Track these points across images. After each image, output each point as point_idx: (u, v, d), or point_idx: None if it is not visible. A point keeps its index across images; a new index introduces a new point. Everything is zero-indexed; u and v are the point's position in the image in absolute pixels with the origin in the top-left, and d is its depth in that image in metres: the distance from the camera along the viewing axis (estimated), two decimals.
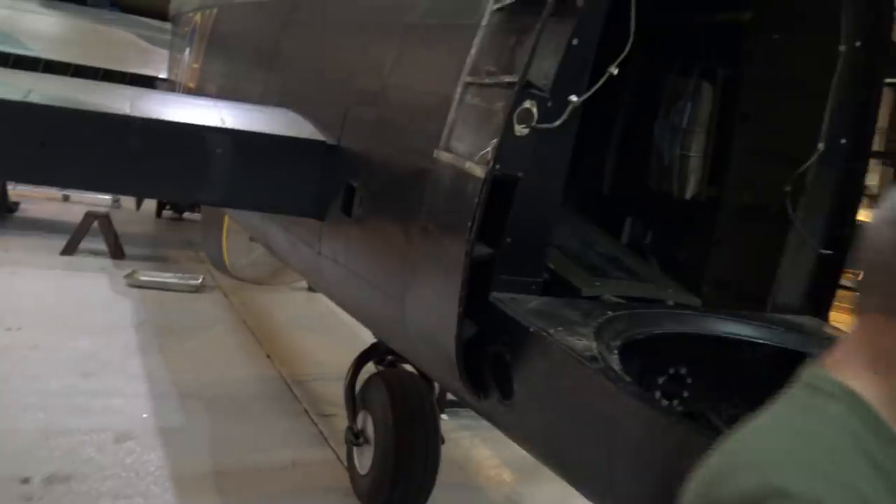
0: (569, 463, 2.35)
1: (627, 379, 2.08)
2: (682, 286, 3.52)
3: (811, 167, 3.11)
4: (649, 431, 1.96)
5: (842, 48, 2.98)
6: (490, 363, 2.51)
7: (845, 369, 1.06)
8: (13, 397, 5.52)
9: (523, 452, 5.88)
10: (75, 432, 5.14)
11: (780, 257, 3.24)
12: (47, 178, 3.88)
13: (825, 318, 3.25)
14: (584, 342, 2.26)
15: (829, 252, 3.17)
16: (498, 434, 6.14)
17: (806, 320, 3.19)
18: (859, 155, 3.13)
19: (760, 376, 3.15)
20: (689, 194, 3.65)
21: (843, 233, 3.17)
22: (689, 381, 3.04)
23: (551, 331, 2.31)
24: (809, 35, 3.19)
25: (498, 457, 5.92)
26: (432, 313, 2.72)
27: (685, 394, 3.04)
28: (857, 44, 3.00)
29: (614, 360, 2.22)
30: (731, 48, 3.51)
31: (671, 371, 3.00)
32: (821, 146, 3.04)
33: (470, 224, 2.40)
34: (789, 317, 3.21)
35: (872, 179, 23.18)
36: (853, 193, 3.17)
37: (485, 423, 6.22)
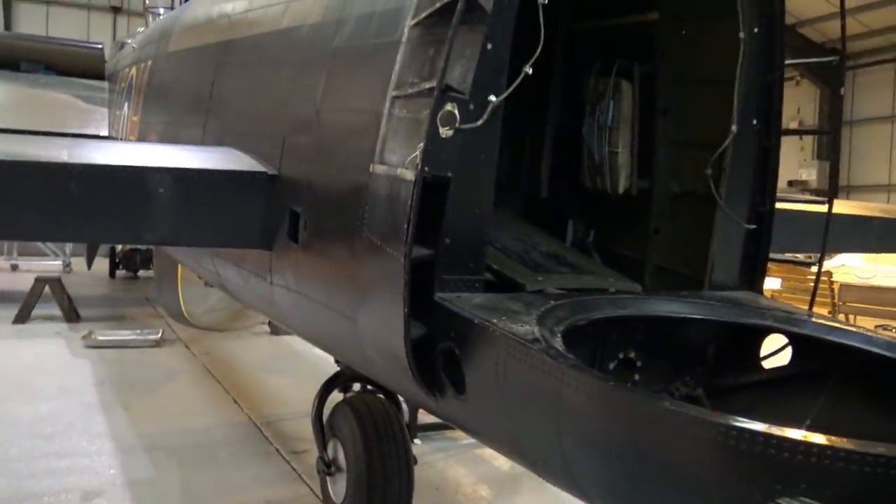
0: (525, 447, 2.42)
1: (568, 355, 2.17)
2: (626, 277, 3.65)
3: (728, 150, 3.29)
4: (593, 401, 2.05)
5: (742, 35, 3.17)
6: (441, 360, 2.58)
7: None
8: None
9: (498, 468, 5.96)
10: (41, 495, 5.03)
11: (711, 238, 3.40)
12: None
13: (759, 291, 3.41)
14: (526, 328, 2.35)
15: (754, 227, 3.33)
16: (471, 453, 6.23)
17: (742, 294, 3.34)
18: (771, 134, 3.31)
19: (706, 354, 3.29)
20: (621, 189, 3.81)
21: (764, 208, 3.34)
22: (638, 364, 3.15)
23: (495, 320, 2.40)
24: (712, 27, 3.38)
25: (473, 474, 5.95)
26: (381, 321, 2.78)
27: (636, 377, 3.14)
28: (756, 30, 3.20)
29: (557, 343, 2.31)
30: (645, 46, 3.69)
31: (620, 356, 3.11)
32: (734, 129, 3.22)
33: (406, 226, 2.49)
34: (727, 293, 3.36)
35: (810, 175, 24.01)
36: (770, 170, 3.34)
37: (458, 443, 6.32)
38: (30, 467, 5.45)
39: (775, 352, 3.12)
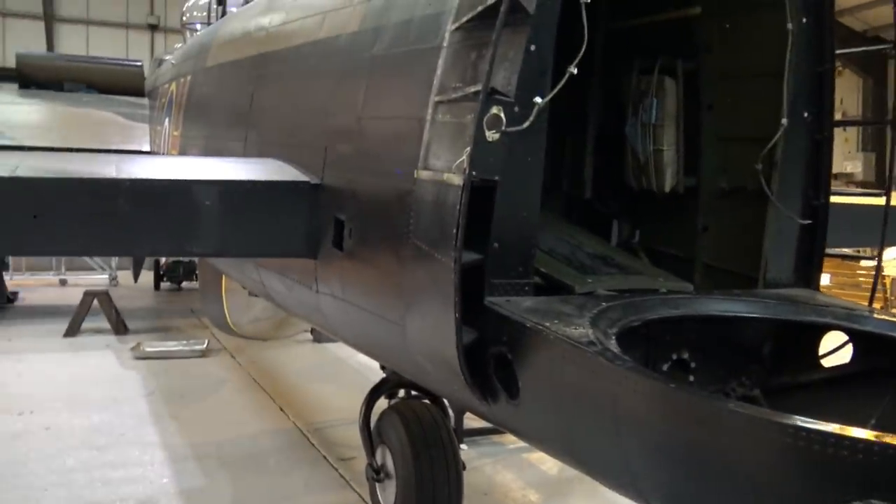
0: (582, 452, 2.39)
1: (626, 358, 2.13)
2: (674, 276, 3.59)
3: (779, 144, 3.21)
4: (653, 403, 2.01)
5: (790, 26, 3.10)
6: (493, 365, 2.56)
7: None
8: (33, 479, 5.53)
9: (546, 472, 5.91)
10: None
11: (763, 235, 3.32)
12: (43, 248, 3.95)
13: (816, 287, 3.32)
14: (580, 330, 2.32)
15: (808, 222, 3.25)
16: (519, 457, 6.19)
17: (798, 291, 3.26)
18: (822, 125, 3.23)
19: (762, 353, 3.21)
20: (667, 187, 3.75)
21: (818, 202, 3.25)
22: (692, 365, 3.08)
23: (547, 324, 2.37)
24: (758, 19, 3.31)
25: (521, 479, 5.91)
26: (432, 327, 2.77)
27: (691, 379, 3.08)
28: (804, 20, 3.12)
29: (612, 345, 2.27)
30: (687, 42, 3.64)
31: (674, 357, 3.05)
32: (784, 122, 3.15)
33: (455, 231, 2.47)
34: (782, 290, 3.28)
35: (856, 167, 23.39)
36: (823, 163, 3.26)
37: (505, 448, 6.28)
38: (86, 477, 5.57)
39: (835, 349, 3.03)
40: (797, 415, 1.81)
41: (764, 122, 3.27)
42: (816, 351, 3.06)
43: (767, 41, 3.27)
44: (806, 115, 3.21)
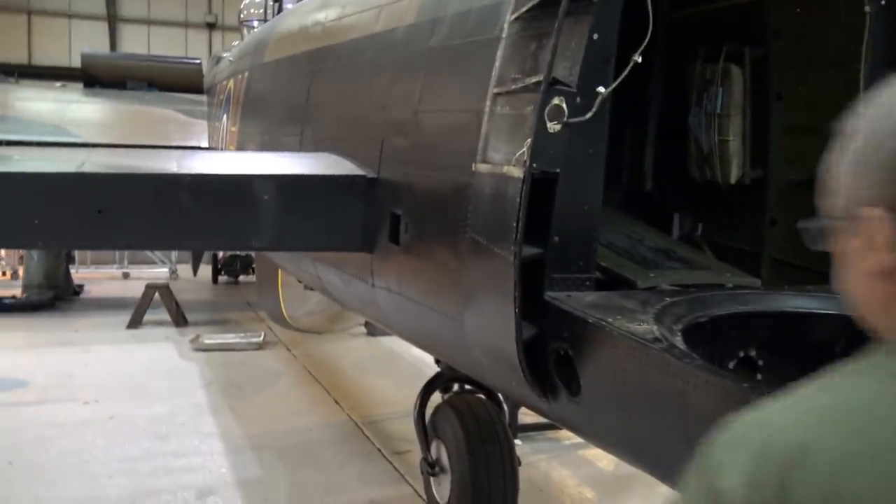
0: (646, 452, 2.32)
1: (693, 355, 2.06)
2: (740, 271, 3.46)
3: None
4: (724, 403, 1.93)
5: (868, 9, 2.95)
6: (554, 361, 2.50)
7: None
8: (97, 466, 5.69)
9: (602, 469, 5.82)
10: (160, 493, 5.26)
11: None
12: (107, 242, 4.05)
13: None
14: (644, 326, 2.25)
15: None
16: (574, 454, 6.11)
17: None
18: None
19: (834, 351, 3.08)
20: (733, 179, 3.62)
21: None
22: (760, 363, 2.97)
23: (610, 320, 2.31)
24: (831, 2, 3.16)
25: (577, 476, 5.84)
26: (491, 322, 2.73)
27: (759, 377, 2.97)
28: (883, 2, 2.96)
29: (678, 342, 2.20)
30: (755, 28, 3.50)
31: (741, 355, 2.94)
32: None
33: (515, 224, 2.43)
34: None
35: None
36: None
37: (560, 444, 6.20)
38: (149, 466, 5.71)
39: None
40: None
41: (837, 111, 3.12)
42: None
43: (842, 26, 3.11)
44: None
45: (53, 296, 11.61)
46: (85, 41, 22.68)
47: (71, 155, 3.83)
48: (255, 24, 11.19)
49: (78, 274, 13.71)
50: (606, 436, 2.57)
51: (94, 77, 12.78)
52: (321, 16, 5.54)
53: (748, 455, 0.89)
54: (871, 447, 0.82)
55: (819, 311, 2.85)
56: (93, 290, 12.94)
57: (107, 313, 11.12)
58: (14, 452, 5.91)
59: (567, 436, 6.09)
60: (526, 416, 6.05)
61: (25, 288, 11.56)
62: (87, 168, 3.45)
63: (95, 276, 14.19)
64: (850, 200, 0.94)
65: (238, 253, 13.41)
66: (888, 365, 0.88)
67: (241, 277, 14.14)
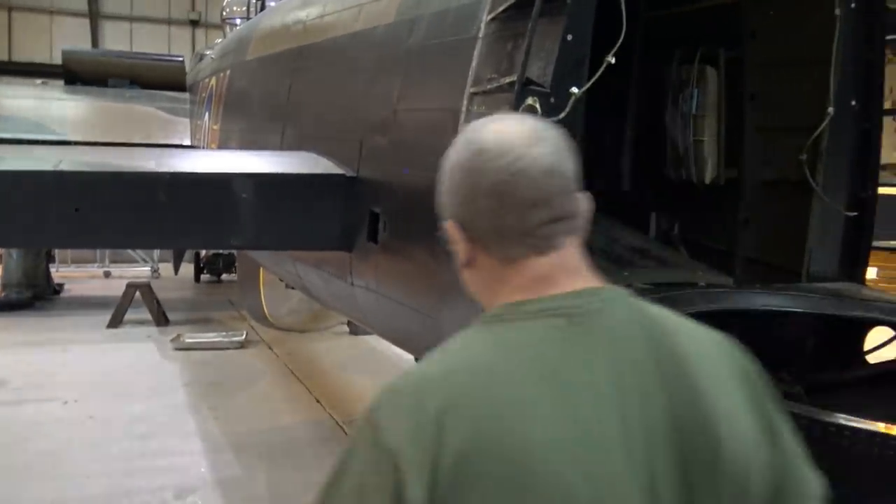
0: None
1: None
2: (714, 270, 3.51)
3: (824, 133, 3.12)
4: None
5: (838, 12, 3.00)
6: None
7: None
8: (76, 466, 5.66)
9: None
10: (139, 492, 5.25)
11: (807, 227, 3.23)
12: (84, 241, 4.03)
13: (861, 281, 3.22)
14: None
15: (854, 214, 3.15)
16: None
17: (842, 285, 3.16)
18: (871, 114, 3.12)
19: (805, 349, 3.13)
20: (708, 179, 3.66)
21: (865, 194, 3.15)
22: None
23: None
24: (804, 4, 3.21)
25: None
26: (465, 320, 2.75)
27: None
28: (853, 5, 3.02)
29: None
30: (730, 30, 3.55)
31: None
32: (830, 111, 3.05)
33: None
34: (826, 284, 3.19)
35: (893, 157, 22.65)
36: (871, 153, 3.16)
37: None
38: (127, 466, 5.69)
39: (881, 345, 2.94)
40: (841, 413, 1.75)
41: (809, 111, 3.18)
42: (861, 347, 2.97)
43: (813, 28, 3.17)
44: (853, 103, 3.11)
45: (33, 295, 11.51)
46: (66, 38, 22.48)
47: (49, 153, 3.80)
48: (238, 21, 11.14)
49: (58, 273, 13.60)
50: None
51: (76, 74, 12.66)
52: (302, 14, 5.54)
53: (407, 415, 1.03)
54: (487, 397, 1.03)
55: (790, 310, 2.91)
56: (73, 289, 12.85)
57: (87, 312, 11.04)
58: None
59: None
60: None
61: (4, 287, 11.46)
62: (65, 166, 3.43)
63: (76, 274, 14.08)
64: (444, 215, 1.24)
65: (220, 252, 13.36)
66: (490, 328, 1.16)
67: (224, 276, 14.09)
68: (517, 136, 1.20)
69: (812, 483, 1.24)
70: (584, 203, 1.23)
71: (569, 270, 1.19)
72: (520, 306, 1.15)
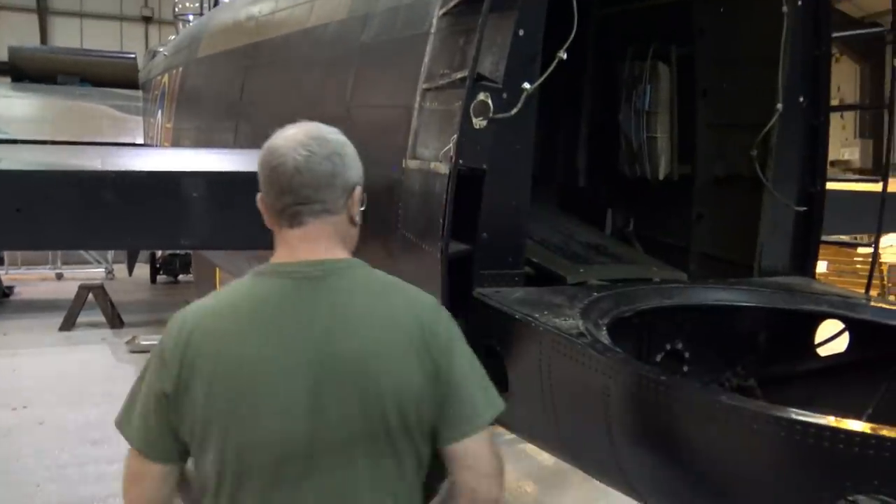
0: (573, 445, 2.34)
1: (616, 349, 2.08)
2: (669, 265, 3.53)
3: (774, 130, 3.16)
4: (645, 397, 1.96)
5: (785, 9, 3.04)
6: (482, 357, 2.51)
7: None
8: (25, 474, 5.49)
9: (542, 463, 5.88)
10: (91, 500, 5.10)
11: (759, 222, 3.27)
12: (28, 241, 3.90)
13: (811, 275, 3.27)
14: (570, 322, 2.27)
15: (804, 209, 3.20)
16: (515, 448, 6.14)
17: (793, 279, 3.21)
18: (819, 111, 3.17)
19: (757, 343, 3.16)
20: (661, 175, 3.69)
21: (814, 189, 3.20)
22: (686, 355, 3.04)
23: (537, 315, 2.32)
24: (753, 2, 3.25)
25: (517, 470, 5.87)
26: None
27: (685, 369, 3.03)
28: (799, 3, 3.06)
29: (603, 337, 2.22)
30: (681, 27, 3.57)
31: (668, 347, 3.00)
32: (779, 107, 3.08)
33: (441, 221, 2.42)
34: (778, 279, 3.23)
35: (853, 154, 23.26)
36: (819, 150, 3.21)
37: (500, 439, 6.22)
38: (79, 472, 5.53)
39: (831, 338, 2.99)
40: (793, 406, 1.77)
41: (759, 107, 3.21)
42: (812, 340, 3.01)
43: (762, 25, 3.20)
44: (801, 100, 3.15)
45: None
46: (13, 34, 21.81)
47: None
48: (191, 18, 10.96)
49: (7, 275, 13.22)
50: (536, 431, 2.59)
51: (23, 71, 12.31)
52: (255, 10, 5.45)
53: (176, 328, 1.59)
54: (222, 324, 1.59)
55: (742, 304, 2.93)
56: (24, 292, 12.50)
57: (38, 315, 10.75)
58: None
59: (506, 431, 6.14)
60: None
61: None
62: (4, 165, 3.32)
63: (27, 276, 13.71)
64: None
65: (177, 252, 13.13)
66: (252, 279, 1.63)
67: (181, 277, 13.84)
68: (289, 141, 1.63)
69: (471, 406, 1.64)
70: (341, 194, 1.66)
71: (310, 242, 1.63)
72: (272, 266, 1.63)
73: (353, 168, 1.70)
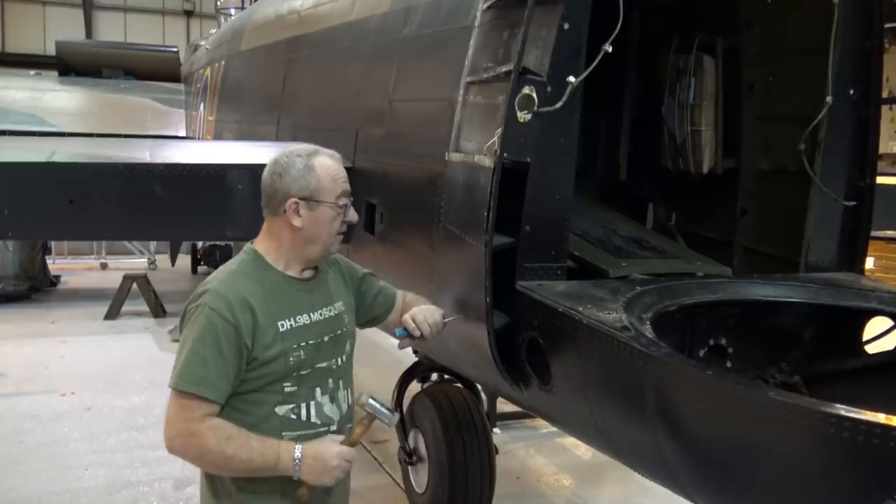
0: (616, 438, 2.34)
1: (660, 343, 2.08)
2: (712, 259, 3.50)
3: (822, 123, 3.10)
4: (690, 391, 1.96)
5: (835, 0, 2.98)
6: (525, 350, 2.52)
7: (259, 241, 2.29)
8: (74, 458, 5.65)
9: (580, 456, 5.86)
10: (136, 484, 5.23)
11: (805, 217, 3.22)
12: (78, 232, 4.01)
13: (860, 271, 3.21)
14: (613, 315, 2.27)
15: (853, 204, 3.14)
16: (552, 441, 6.14)
17: (841, 275, 3.15)
18: (869, 103, 3.11)
19: (803, 339, 3.12)
20: (705, 168, 3.65)
21: (863, 183, 3.14)
22: (730, 350, 3.01)
23: (580, 309, 2.32)
24: None
25: (555, 464, 5.87)
26: (463, 312, 2.74)
27: (728, 364, 3.01)
28: None
29: (647, 331, 2.22)
30: (727, 19, 3.52)
31: (711, 342, 2.98)
32: (829, 100, 3.03)
33: (486, 214, 2.43)
34: (824, 274, 3.18)
35: (890, 147, 22.57)
36: (869, 143, 3.14)
37: (538, 432, 6.24)
38: (126, 457, 5.67)
39: (880, 335, 2.93)
40: (840, 403, 1.74)
41: (807, 100, 3.16)
42: (860, 337, 2.96)
43: (811, 16, 3.15)
44: (851, 92, 3.09)
45: (30, 287, 11.47)
46: (60, 29, 22.33)
47: (42, 144, 3.78)
48: (233, 12, 11.09)
49: (55, 264, 13.55)
50: (577, 424, 2.60)
51: (69, 65, 12.60)
52: (297, 4, 5.50)
53: (219, 294, 2.13)
54: (242, 290, 2.15)
55: (787, 300, 2.90)
56: (70, 281, 12.80)
57: (84, 304, 11.00)
58: None
59: (545, 424, 6.12)
60: (504, 405, 6.08)
61: (1, 279, 11.42)
62: (58, 157, 3.41)
63: (73, 266, 14.04)
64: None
65: (217, 243, 13.33)
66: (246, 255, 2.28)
67: None
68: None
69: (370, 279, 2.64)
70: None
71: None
72: None
73: (290, 183, 2.18)
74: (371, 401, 2.29)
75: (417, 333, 2.53)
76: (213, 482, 2.23)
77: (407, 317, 2.55)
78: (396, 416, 2.38)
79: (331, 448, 2.14)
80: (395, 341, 2.71)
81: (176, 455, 2.15)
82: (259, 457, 2.06)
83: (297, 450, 2.08)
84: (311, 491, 2.17)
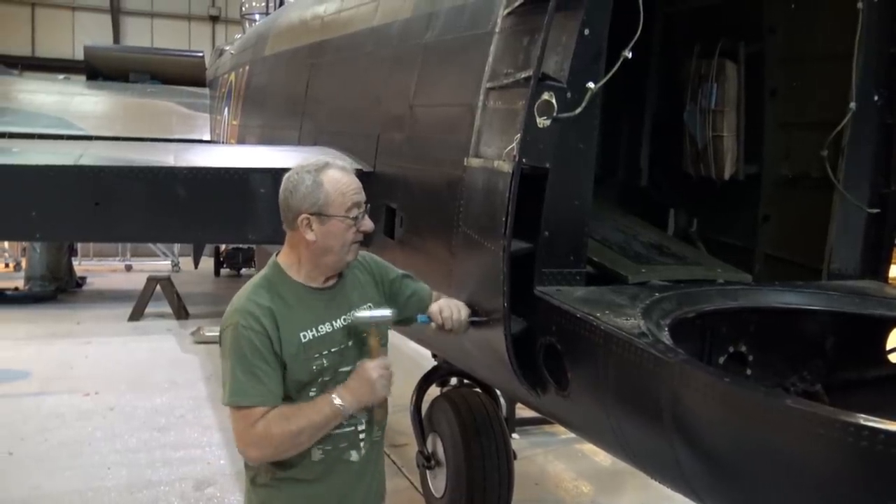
0: (633, 445, 2.33)
1: (678, 350, 2.07)
2: (733, 266, 3.47)
3: (846, 129, 3.07)
4: (707, 398, 1.95)
5: (860, 6, 2.95)
6: (542, 355, 2.52)
7: (281, 254, 2.39)
8: (97, 457, 5.73)
9: (599, 463, 5.83)
10: (158, 484, 5.30)
11: (828, 224, 3.19)
12: (104, 234, 4.08)
13: (884, 279, 3.17)
14: (631, 321, 2.27)
15: (876, 211, 3.10)
16: (571, 448, 6.12)
17: (864, 283, 3.12)
18: (893, 109, 3.07)
19: (824, 347, 3.08)
20: (727, 174, 3.62)
21: (888, 190, 3.10)
22: (750, 358, 2.98)
23: (598, 314, 2.32)
24: None
25: (573, 470, 5.86)
26: (482, 313, 2.75)
27: (748, 372, 2.98)
28: None
29: (665, 337, 2.21)
30: (750, 24, 3.50)
31: (731, 350, 2.95)
32: (852, 106, 3.00)
33: (504, 219, 2.44)
34: (847, 282, 3.15)
35: None
36: (892, 149, 3.10)
37: (557, 438, 6.22)
38: (147, 457, 5.75)
39: None
40: (861, 412, 1.73)
41: (830, 106, 3.13)
42: (883, 346, 2.92)
43: (835, 21, 3.12)
44: (876, 98, 3.06)
45: (56, 288, 11.66)
46: (88, 34, 22.68)
47: (70, 148, 3.85)
48: (257, 17, 11.21)
49: (80, 266, 13.76)
50: (594, 430, 2.59)
51: (97, 70, 12.80)
52: (320, 9, 5.55)
53: (260, 314, 2.24)
54: (265, 302, 2.27)
55: (808, 307, 2.87)
56: (95, 283, 12.99)
57: (109, 305, 11.16)
58: (15, 443, 5.95)
59: (564, 430, 6.09)
60: (523, 411, 6.07)
61: (28, 280, 11.61)
62: (85, 161, 3.47)
63: (98, 268, 14.25)
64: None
65: (240, 246, 13.45)
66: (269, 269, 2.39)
67: (243, 270, 14.17)
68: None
69: (402, 277, 2.69)
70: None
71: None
72: None
73: (301, 200, 2.27)
74: (358, 314, 2.37)
75: (439, 321, 2.62)
76: (252, 472, 2.41)
77: (434, 306, 2.65)
78: (391, 311, 2.44)
79: (362, 369, 2.30)
80: (414, 345, 2.74)
81: (264, 460, 2.29)
82: (316, 414, 2.22)
83: (336, 397, 2.24)
84: (382, 408, 2.40)
